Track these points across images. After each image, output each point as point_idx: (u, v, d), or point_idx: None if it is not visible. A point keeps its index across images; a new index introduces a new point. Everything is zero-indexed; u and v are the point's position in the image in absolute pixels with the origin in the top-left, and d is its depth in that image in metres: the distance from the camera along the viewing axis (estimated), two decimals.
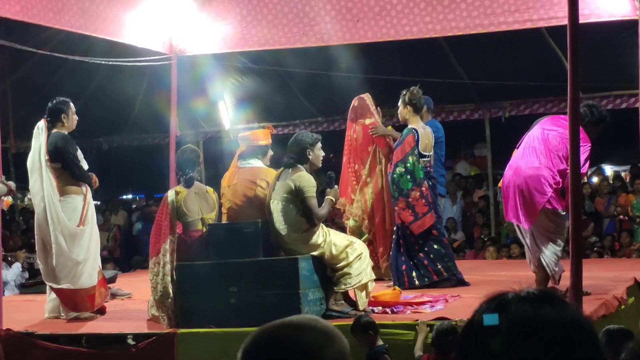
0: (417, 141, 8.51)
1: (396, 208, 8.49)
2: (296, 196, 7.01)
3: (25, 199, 17.15)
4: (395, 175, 8.46)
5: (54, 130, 7.92)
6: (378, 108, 9.44)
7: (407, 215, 8.40)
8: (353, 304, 7.09)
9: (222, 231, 7.22)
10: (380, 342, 6.19)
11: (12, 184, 7.72)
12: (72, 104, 8.11)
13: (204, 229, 7.38)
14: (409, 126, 8.65)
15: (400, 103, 8.82)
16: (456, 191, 14.88)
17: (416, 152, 8.47)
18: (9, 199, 15.67)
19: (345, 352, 1.74)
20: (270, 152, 7.74)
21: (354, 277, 7.00)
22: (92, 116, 12.25)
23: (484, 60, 13.22)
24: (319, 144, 7.33)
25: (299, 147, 7.22)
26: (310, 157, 7.22)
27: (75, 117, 8.11)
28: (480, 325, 1.56)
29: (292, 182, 7.04)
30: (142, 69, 12.41)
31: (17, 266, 11.63)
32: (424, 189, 8.43)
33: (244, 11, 10.77)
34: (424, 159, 8.56)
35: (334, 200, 7.29)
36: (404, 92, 8.80)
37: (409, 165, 8.42)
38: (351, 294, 7.17)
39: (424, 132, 8.66)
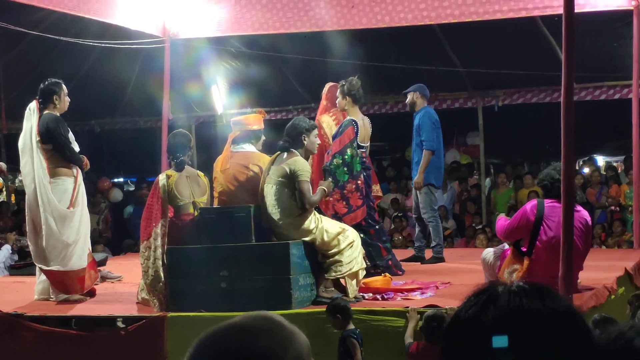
0: (356, 133, 8.50)
1: (330, 199, 8.38)
2: (290, 180, 7.01)
3: (17, 181, 17.07)
4: (332, 167, 8.33)
5: (46, 112, 7.87)
6: None
7: (341, 207, 8.32)
8: (343, 291, 7.08)
9: (214, 215, 7.20)
10: (351, 327, 6.20)
11: (2, 164, 7.71)
12: (64, 86, 8.06)
13: (195, 213, 7.36)
14: (348, 117, 8.61)
15: (338, 93, 8.77)
16: (447, 180, 14.86)
17: (355, 144, 8.42)
18: None
19: (302, 356, 1.59)
20: (263, 137, 7.72)
21: (344, 265, 6.99)
22: (84, 98, 12.19)
23: (478, 49, 13.20)
24: (315, 131, 7.41)
25: (296, 131, 7.24)
26: (305, 142, 7.25)
27: (67, 99, 8.06)
28: (471, 322, 1.50)
29: (287, 166, 7.04)
30: (135, 51, 12.35)
31: (6, 248, 11.60)
32: (359, 182, 8.38)
33: None
34: (361, 149, 8.56)
35: (326, 190, 7.31)
36: (343, 83, 8.76)
37: (346, 157, 8.33)
38: (341, 281, 7.16)
39: (362, 123, 8.69)
